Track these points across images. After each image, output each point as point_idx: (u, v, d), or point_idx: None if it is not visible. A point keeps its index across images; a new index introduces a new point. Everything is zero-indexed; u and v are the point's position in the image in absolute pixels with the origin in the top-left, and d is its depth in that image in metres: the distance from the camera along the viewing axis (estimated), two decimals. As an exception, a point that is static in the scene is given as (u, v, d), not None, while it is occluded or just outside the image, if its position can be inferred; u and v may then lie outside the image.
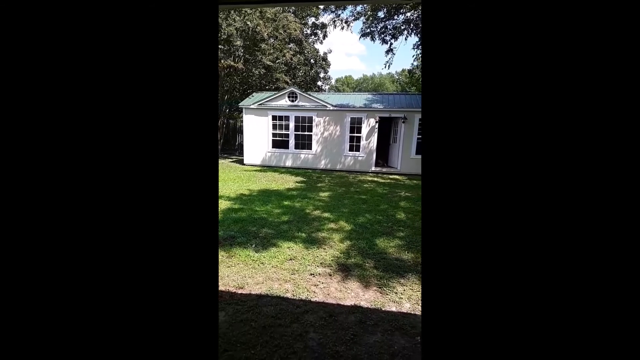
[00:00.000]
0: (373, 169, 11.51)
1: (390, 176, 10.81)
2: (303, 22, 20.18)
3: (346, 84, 43.30)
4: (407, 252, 4.00)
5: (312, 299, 2.85)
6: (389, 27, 11.67)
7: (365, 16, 11.82)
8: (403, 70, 30.03)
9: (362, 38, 12.65)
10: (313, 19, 20.45)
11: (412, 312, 2.71)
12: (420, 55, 11.90)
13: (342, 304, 2.81)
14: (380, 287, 3.10)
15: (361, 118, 11.32)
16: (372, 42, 13.25)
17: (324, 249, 4.04)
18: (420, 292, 3.05)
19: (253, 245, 4.02)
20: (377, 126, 11.29)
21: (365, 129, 11.37)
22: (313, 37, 21.80)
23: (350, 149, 11.61)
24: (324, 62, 24.00)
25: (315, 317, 2.58)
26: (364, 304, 2.82)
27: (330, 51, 24.67)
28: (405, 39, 15.38)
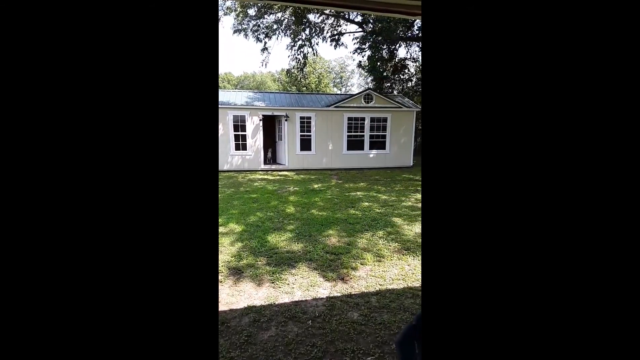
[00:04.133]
0: (262, 166, 11.50)
1: (280, 173, 11.05)
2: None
3: (227, 81, 41.41)
4: (297, 243, 4.19)
5: (201, 312, 2.67)
6: (261, 25, 11.73)
7: (235, 12, 11.52)
8: (282, 70, 30.82)
9: (235, 34, 12.33)
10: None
11: (303, 299, 2.87)
12: (295, 56, 12.46)
13: (235, 308, 2.73)
14: (273, 282, 3.16)
15: (244, 116, 11.08)
16: (246, 39, 13.07)
17: (213, 256, 3.82)
18: (309, 279, 3.26)
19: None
20: (261, 124, 11.28)
21: (250, 127, 11.19)
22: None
23: (237, 148, 11.24)
24: (198, 58, 22.25)
25: (205, 329, 2.42)
26: (257, 302, 2.81)
27: (204, 46, 22.96)
28: (278, 39, 15.78)
